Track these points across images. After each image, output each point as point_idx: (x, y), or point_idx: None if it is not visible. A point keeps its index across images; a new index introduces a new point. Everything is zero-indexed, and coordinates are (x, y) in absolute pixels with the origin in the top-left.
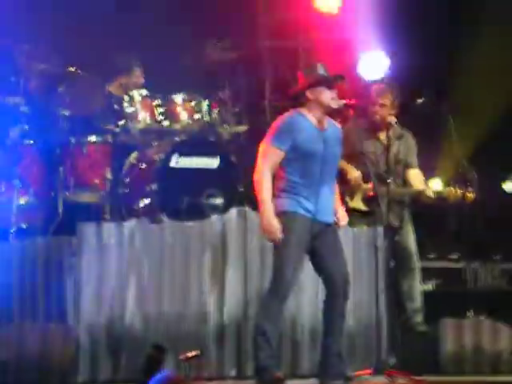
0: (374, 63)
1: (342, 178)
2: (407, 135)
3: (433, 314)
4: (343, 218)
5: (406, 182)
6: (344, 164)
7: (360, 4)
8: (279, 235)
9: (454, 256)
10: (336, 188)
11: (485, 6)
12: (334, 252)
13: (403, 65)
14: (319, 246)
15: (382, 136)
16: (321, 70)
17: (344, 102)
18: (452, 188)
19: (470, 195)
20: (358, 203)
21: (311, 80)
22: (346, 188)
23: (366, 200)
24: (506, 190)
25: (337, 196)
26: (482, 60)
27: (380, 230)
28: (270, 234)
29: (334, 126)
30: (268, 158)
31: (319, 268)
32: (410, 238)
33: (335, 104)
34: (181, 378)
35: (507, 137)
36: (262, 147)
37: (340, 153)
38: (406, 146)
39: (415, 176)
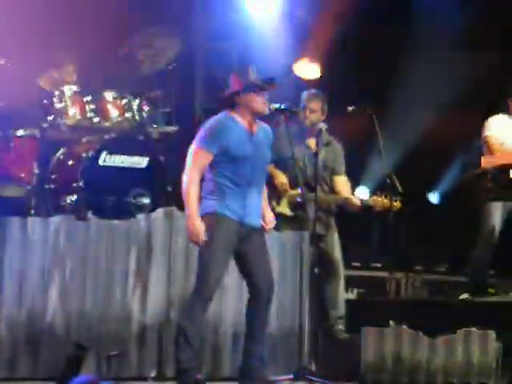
0: (306, 68)
1: (269, 182)
2: (334, 142)
3: (355, 322)
4: (270, 222)
5: (332, 189)
6: (272, 169)
7: (296, 8)
8: (202, 237)
9: (378, 265)
10: (264, 192)
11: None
12: (260, 256)
13: (336, 71)
14: (246, 249)
15: (311, 142)
16: (253, 74)
17: (275, 106)
18: (378, 197)
19: (396, 204)
20: (284, 208)
21: (242, 84)
22: (274, 193)
23: (293, 206)
24: (431, 201)
25: (265, 200)
26: (414, 71)
27: (306, 235)
28: (194, 236)
29: (264, 130)
30: (197, 160)
31: (244, 271)
32: (336, 246)
33: (265, 108)
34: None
35: (433, 148)
36: (191, 149)
37: (269, 156)
38: (334, 153)
39: (342, 183)
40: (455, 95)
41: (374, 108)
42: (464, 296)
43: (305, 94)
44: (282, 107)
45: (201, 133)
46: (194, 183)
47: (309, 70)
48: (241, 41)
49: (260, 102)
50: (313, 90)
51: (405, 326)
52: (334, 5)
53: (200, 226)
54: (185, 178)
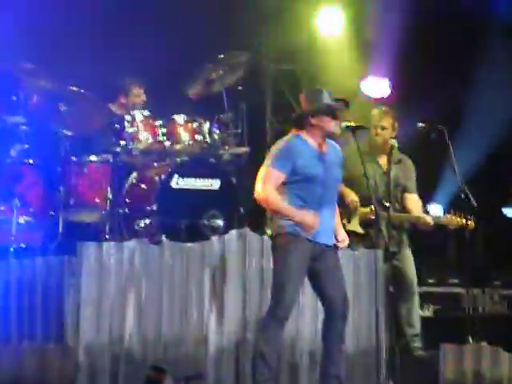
0: (375, 86)
1: (340, 200)
2: (406, 159)
3: (432, 339)
4: (344, 240)
5: (403, 207)
6: (342, 187)
7: (363, 28)
8: (314, 219)
9: (454, 281)
10: (337, 210)
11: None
12: (334, 274)
13: (405, 88)
14: (319, 267)
15: (381, 160)
16: (325, 97)
17: (346, 124)
18: (451, 215)
19: (470, 223)
20: (355, 226)
21: (315, 107)
22: (344, 211)
23: (364, 224)
24: (506, 215)
25: (337, 218)
26: (484, 87)
27: (379, 253)
28: (312, 223)
29: (334, 149)
30: (268, 180)
31: (319, 290)
32: (409, 263)
33: (337, 130)
34: None
35: (507, 162)
36: (263, 170)
37: (340, 175)
38: (405, 170)
39: (413, 201)
40: None
41: (444, 122)
42: None
43: (375, 112)
44: (353, 125)
45: (271, 153)
46: (272, 192)
47: (378, 87)
48: (310, 61)
49: (333, 125)
50: (383, 107)
51: (484, 343)
52: (401, 22)
53: (306, 213)
54: (261, 195)
